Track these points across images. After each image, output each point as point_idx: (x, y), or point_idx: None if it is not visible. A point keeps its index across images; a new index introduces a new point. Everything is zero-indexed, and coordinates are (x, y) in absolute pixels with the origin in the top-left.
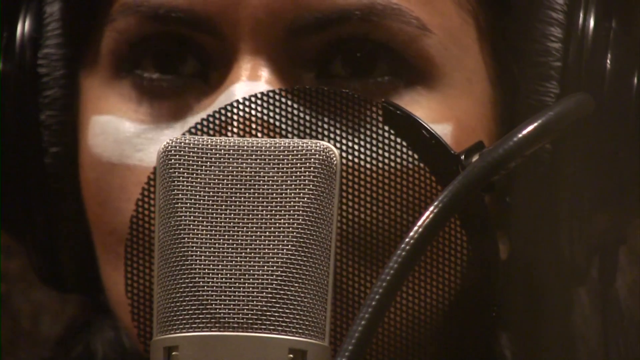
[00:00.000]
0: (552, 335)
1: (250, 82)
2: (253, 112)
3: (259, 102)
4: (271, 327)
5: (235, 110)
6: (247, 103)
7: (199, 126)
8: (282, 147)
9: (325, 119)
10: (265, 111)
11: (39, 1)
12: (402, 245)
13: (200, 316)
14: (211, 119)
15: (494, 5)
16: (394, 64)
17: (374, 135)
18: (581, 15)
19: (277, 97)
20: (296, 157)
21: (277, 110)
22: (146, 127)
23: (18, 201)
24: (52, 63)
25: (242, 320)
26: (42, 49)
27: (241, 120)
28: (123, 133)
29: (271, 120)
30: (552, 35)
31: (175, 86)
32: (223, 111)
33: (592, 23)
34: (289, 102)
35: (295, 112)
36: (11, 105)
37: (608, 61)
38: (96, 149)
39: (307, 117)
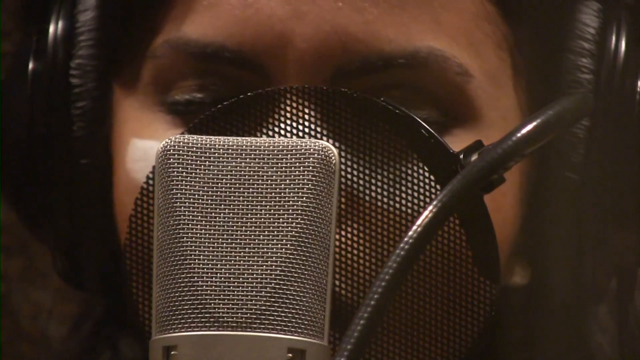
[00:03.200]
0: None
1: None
2: (252, 110)
3: (257, 100)
4: (270, 327)
5: (232, 109)
6: (245, 101)
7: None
8: (280, 146)
9: (324, 118)
10: (264, 110)
11: (71, 8)
12: (401, 245)
13: (199, 315)
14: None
15: (528, 40)
16: (434, 108)
17: (373, 134)
18: (612, 45)
19: (275, 95)
20: (295, 157)
21: (276, 109)
22: None
23: (45, 203)
24: (85, 74)
25: (241, 320)
26: (75, 59)
27: (239, 119)
28: None
29: (270, 120)
30: (583, 67)
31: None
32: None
33: (623, 53)
34: (287, 101)
35: (294, 111)
36: (43, 113)
37: (639, 91)
38: (135, 174)
39: (306, 116)
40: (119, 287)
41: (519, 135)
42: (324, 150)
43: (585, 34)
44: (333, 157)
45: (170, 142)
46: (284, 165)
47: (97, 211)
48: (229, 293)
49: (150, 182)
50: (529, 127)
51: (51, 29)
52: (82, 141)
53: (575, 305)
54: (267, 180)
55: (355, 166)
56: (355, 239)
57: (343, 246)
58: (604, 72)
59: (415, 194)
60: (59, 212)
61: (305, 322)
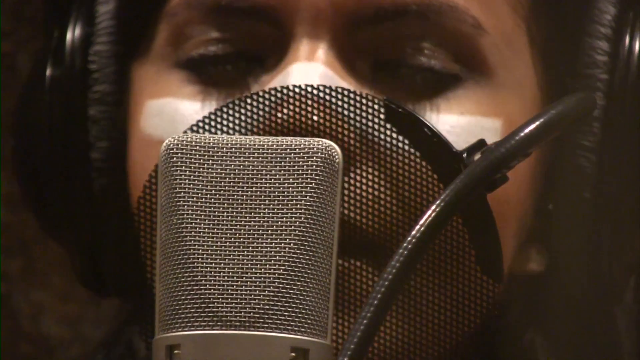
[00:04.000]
0: (587, 349)
1: (308, 62)
2: (254, 109)
3: (260, 99)
4: (273, 326)
5: (236, 109)
6: (248, 101)
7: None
8: (284, 146)
9: (327, 117)
10: (267, 109)
11: (92, 1)
12: (405, 244)
13: (202, 315)
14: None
15: (546, 15)
16: (447, 60)
17: (376, 133)
18: (628, 31)
19: (278, 94)
20: (298, 156)
21: (279, 107)
22: (203, 107)
23: (61, 204)
24: (102, 60)
25: (244, 319)
26: (94, 46)
27: (242, 117)
28: (181, 113)
29: (272, 119)
30: (600, 49)
31: (233, 73)
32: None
33: (638, 39)
34: (291, 100)
35: (297, 109)
36: (60, 102)
37: None
38: (149, 129)
39: (309, 115)
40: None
41: (522, 134)
42: (327, 149)
43: (602, 19)
44: (336, 156)
45: (174, 140)
46: (288, 164)
47: (116, 201)
48: (232, 292)
49: (153, 180)
50: (532, 126)
51: (71, 22)
52: (100, 125)
53: (592, 302)
54: (270, 179)
55: (357, 165)
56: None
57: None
58: (620, 55)
59: (419, 193)
60: (77, 206)
61: (309, 321)
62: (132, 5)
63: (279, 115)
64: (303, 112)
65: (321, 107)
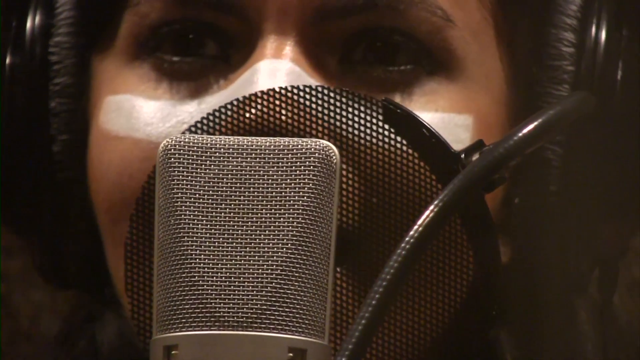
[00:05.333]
0: (552, 341)
1: (275, 60)
2: (253, 110)
3: (258, 100)
4: (271, 326)
5: (234, 109)
6: (246, 102)
7: (198, 125)
8: (281, 146)
9: (325, 117)
10: (265, 109)
11: None
12: (403, 245)
13: (200, 315)
14: (211, 118)
15: (511, 7)
16: (417, 53)
17: (374, 134)
18: (594, 21)
19: (276, 95)
20: (296, 156)
21: (277, 108)
22: (162, 103)
23: (22, 196)
24: (63, 51)
25: (241, 319)
26: (54, 37)
27: (241, 119)
28: (137, 110)
29: (271, 119)
30: (565, 40)
31: (195, 67)
32: (218, 113)
33: (604, 30)
34: (289, 101)
35: (295, 110)
36: (20, 94)
37: (620, 67)
38: (106, 125)
39: (307, 115)
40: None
41: (520, 134)
42: (325, 149)
43: (567, 10)
44: (334, 157)
45: (171, 141)
46: (285, 164)
47: (77, 194)
48: (229, 292)
49: (152, 181)
50: (530, 126)
51: (30, 13)
52: (61, 117)
53: (557, 292)
54: (268, 179)
55: (355, 166)
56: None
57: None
58: (586, 46)
59: (417, 194)
60: (37, 199)
61: (306, 322)
62: None
63: (247, 115)
64: (271, 112)
65: (289, 107)
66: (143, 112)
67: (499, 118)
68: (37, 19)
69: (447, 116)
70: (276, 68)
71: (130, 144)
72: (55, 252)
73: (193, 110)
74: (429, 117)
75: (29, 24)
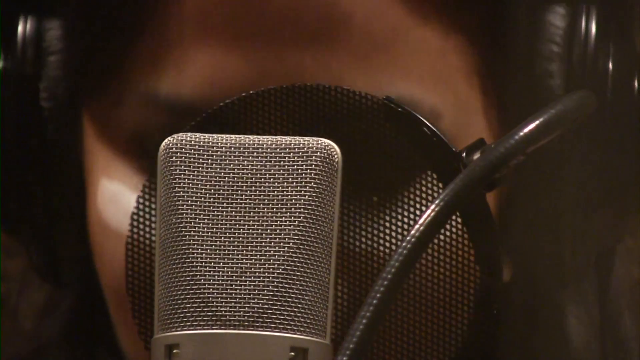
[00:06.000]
0: (547, 339)
1: None
2: (254, 108)
3: (259, 98)
4: (272, 325)
5: (234, 107)
6: (247, 100)
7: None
8: (283, 145)
9: (327, 116)
10: (266, 108)
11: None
12: (404, 244)
13: (202, 314)
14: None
15: (497, 60)
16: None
17: (376, 133)
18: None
19: (277, 94)
20: (297, 155)
21: (278, 107)
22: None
23: (18, 197)
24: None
25: (243, 318)
26: (43, 82)
27: (241, 117)
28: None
29: (272, 117)
30: (553, 72)
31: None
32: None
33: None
34: (290, 99)
35: (296, 109)
36: (13, 97)
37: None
38: (106, 214)
39: (309, 115)
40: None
41: (521, 133)
42: (326, 148)
43: (554, 36)
44: (336, 156)
45: (173, 140)
46: (287, 163)
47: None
48: (231, 291)
49: (153, 179)
50: (532, 125)
51: (19, 46)
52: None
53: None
54: (269, 178)
55: (357, 165)
56: (357, 237)
57: (345, 244)
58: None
59: (418, 193)
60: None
61: (308, 321)
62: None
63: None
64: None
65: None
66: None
67: None
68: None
69: None
70: None
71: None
72: (50, 252)
73: None
74: None
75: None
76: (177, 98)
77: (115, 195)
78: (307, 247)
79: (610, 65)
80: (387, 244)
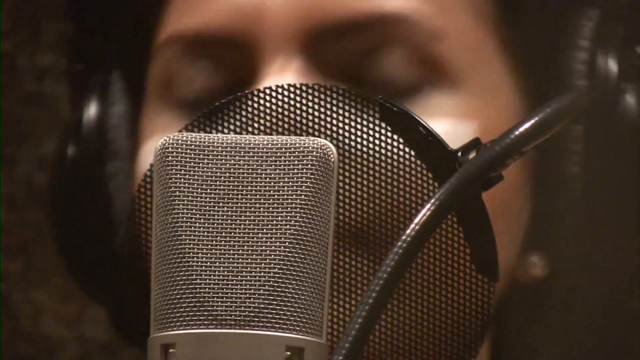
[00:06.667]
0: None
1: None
2: (249, 108)
3: (255, 98)
4: (268, 325)
5: (230, 107)
6: (243, 99)
7: (195, 123)
8: (279, 144)
9: (322, 116)
10: (262, 108)
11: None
12: (399, 243)
13: (198, 313)
14: (208, 116)
15: (518, 23)
16: (412, 69)
17: (371, 132)
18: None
19: (273, 93)
20: (293, 155)
21: (274, 107)
22: None
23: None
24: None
25: (239, 318)
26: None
27: (237, 117)
28: None
29: (267, 117)
30: (577, 59)
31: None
32: (216, 109)
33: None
34: (286, 99)
35: (292, 108)
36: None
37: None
38: (145, 169)
39: (304, 114)
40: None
41: (516, 133)
42: (322, 148)
43: (581, 31)
44: (332, 155)
45: (169, 139)
46: (283, 163)
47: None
48: (227, 291)
49: (149, 180)
50: (527, 125)
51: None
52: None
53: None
54: (265, 178)
55: (352, 164)
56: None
57: (341, 244)
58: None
59: (413, 192)
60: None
61: (304, 320)
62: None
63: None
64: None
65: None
66: None
67: (505, 124)
68: (94, 105)
69: (451, 124)
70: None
71: None
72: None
73: None
74: (435, 127)
75: (87, 113)
76: (198, 28)
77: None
78: (303, 247)
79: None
80: (383, 243)
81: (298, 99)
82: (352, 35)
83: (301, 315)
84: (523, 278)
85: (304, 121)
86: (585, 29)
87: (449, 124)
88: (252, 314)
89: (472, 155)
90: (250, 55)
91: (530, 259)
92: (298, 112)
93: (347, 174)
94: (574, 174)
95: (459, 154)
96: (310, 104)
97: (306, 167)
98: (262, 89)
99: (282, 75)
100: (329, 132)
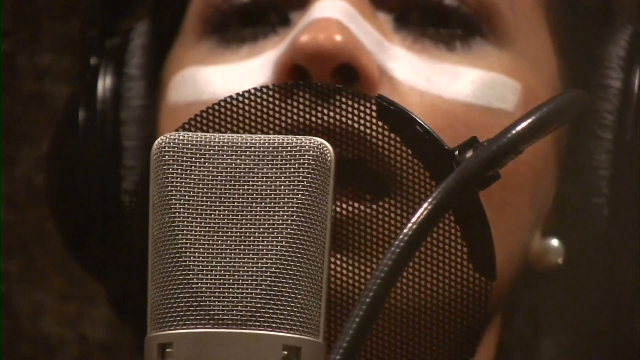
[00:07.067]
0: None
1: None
2: (247, 107)
3: (252, 97)
4: (265, 324)
5: (227, 106)
6: (239, 99)
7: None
8: (276, 144)
9: (319, 115)
10: (259, 107)
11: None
12: (397, 242)
13: (195, 313)
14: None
15: (565, 8)
16: (469, 19)
17: (368, 131)
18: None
19: (269, 92)
20: (290, 154)
21: (271, 105)
22: (225, 67)
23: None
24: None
25: (236, 317)
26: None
27: (234, 116)
28: (202, 75)
29: (265, 116)
30: (616, 54)
31: (258, 33)
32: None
33: None
34: (283, 98)
35: (290, 107)
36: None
37: None
38: (174, 97)
39: (300, 113)
40: None
41: (513, 132)
42: (319, 147)
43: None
44: (328, 154)
45: (165, 138)
46: (280, 162)
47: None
48: (224, 290)
49: (145, 178)
50: (525, 123)
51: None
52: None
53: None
54: (262, 177)
55: (349, 163)
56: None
57: (338, 242)
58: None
59: (410, 191)
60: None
61: (301, 320)
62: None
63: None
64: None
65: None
66: (208, 76)
67: (549, 96)
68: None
69: (498, 76)
70: (331, 5)
71: (200, 106)
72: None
73: (253, 67)
74: (480, 74)
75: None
76: None
77: (183, 76)
78: (300, 246)
79: None
80: (381, 242)
81: (295, 97)
82: None
83: (298, 314)
84: (539, 265)
85: (300, 120)
86: (626, 28)
87: (500, 75)
88: (249, 314)
89: (469, 154)
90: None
91: (548, 245)
92: (295, 110)
93: (343, 172)
94: (599, 164)
95: (456, 152)
96: (307, 102)
97: (303, 166)
98: (258, 88)
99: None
100: (325, 131)
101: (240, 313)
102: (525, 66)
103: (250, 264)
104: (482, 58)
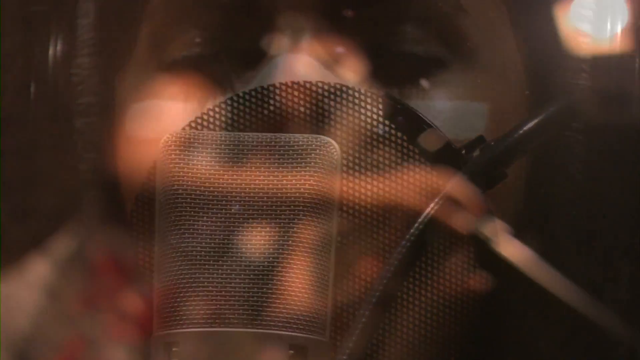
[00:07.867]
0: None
1: (292, 54)
2: (253, 106)
3: (258, 95)
4: (272, 323)
5: (234, 105)
6: (246, 97)
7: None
8: (282, 142)
9: (326, 113)
10: (265, 105)
11: (71, 15)
12: (404, 242)
13: (201, 312)
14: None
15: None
16: (430, 41)
17: (374, 129)
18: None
19: (276, 90)
20: (297, 152)
21: (278, 104)
22: (186, 106)
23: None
24: (85, 71)
25: (242, 316)
26: (76, 59)
27: (241, 114)
28: (165, 112)
29: (272, 115)
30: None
31: (216, 69)
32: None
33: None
34: (289, 97)
35: (296, 106)
36: (45, 115)
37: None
38: (134, 131)
39: (307, 111)
40: None
41: (520, 131)
42: (326, 145)
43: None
44: (335, 153)
45: (172, 137)
46: (286, 160)
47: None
48: (230, 289)
49: (152, 177)
50: (531, 123)
51: (51, 39)
52: (86, 137)
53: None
54: (269, 175)
55: (356, 161)
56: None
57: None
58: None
59: (417, 190)
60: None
61: (307, 319)
62: (112, 17)
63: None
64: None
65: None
66: (171, 116)
67: (518, 107)
68: (59, 43)
69: (461, 103)
70: (294, 61)
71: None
72: None
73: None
74: (442, 105)
75: (51, 49)
76: None
77: (145, 109)
78: (307, 245)
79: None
80: (387, 242)
81: (302, 96)
82: (373, 5)
83: (304, 313)
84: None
85: (307, 118)
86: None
87: (463, 101)
88: (256, 313)
89: (476, 153)
90: (262, 20)
91: (525, 238)
92: (302, 109)
93: (350, 171)
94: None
95: (463, 151)
96: (313, 100)
97: (309, 165)
98: (265, 87)
99: (296, 43)
100: (332, 129)
101: (247, 312)
102: (490, 78)
103: (256, 263)
104: (446, 85)
